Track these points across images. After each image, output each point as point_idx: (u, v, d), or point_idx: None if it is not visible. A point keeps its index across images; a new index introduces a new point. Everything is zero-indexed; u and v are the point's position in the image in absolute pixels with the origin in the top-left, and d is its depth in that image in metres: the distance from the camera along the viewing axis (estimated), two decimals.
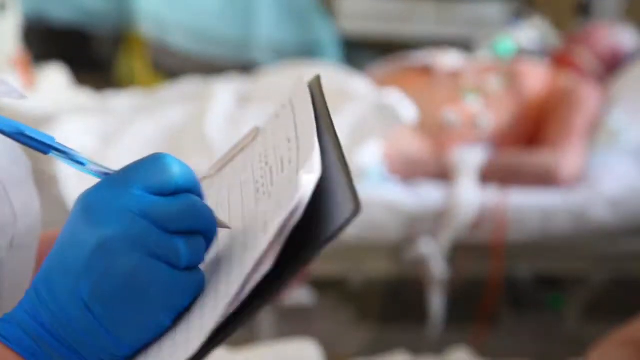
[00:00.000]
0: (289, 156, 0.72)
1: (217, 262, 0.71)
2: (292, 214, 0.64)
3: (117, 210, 0.65)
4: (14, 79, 2.84)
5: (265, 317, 2.63)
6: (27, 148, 0.70)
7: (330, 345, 2.18)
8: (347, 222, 0.63)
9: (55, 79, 3.08)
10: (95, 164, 0.70)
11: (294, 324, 2.66)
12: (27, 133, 0.69)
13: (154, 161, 0.68)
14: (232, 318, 0.65)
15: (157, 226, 0.66)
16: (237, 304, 0.65)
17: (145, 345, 0.68)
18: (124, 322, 0.65)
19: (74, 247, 0.65)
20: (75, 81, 3.20)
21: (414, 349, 2.04)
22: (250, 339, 2.40)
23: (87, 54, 4.39)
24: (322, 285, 2.74)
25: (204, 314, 0.66)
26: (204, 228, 0.68)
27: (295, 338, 1.80)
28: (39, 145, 0.69)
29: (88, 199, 0.66)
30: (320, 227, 0.65)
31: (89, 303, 0.65)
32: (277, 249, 0.64)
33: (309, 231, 0.66)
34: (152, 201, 0.66)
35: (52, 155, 0.70)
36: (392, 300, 2.93)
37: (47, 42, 4.12)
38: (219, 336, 0.65)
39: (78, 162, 0.70)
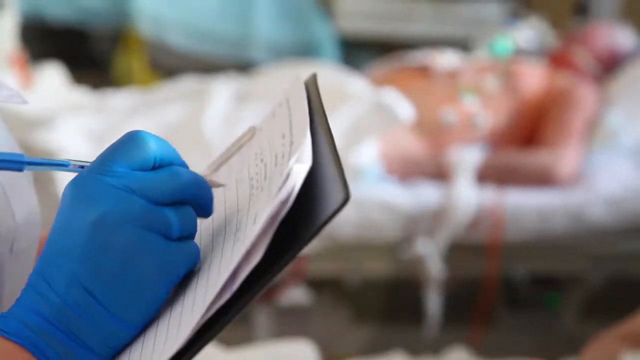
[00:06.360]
0: (282, 151, 0.72)
1: (209, 254, 0.72)
2: (282, 203, 0.65)
3: (104, 190, 0.67)
4: (11, 78, 2.83)
5: (261, 317, 2.62)
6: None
7: (327, 345, 2.18)
8: (336, 211, 0.63)
9: (52, 77, 3.08)
10: (77, 161, 0.71)
11: (290, 324, 2.65)
12: None
13: (130, 139, 0.69)
14: (223, 310, 0.65)
15: (145, 199, 0.67)
16: (228, 295, 0.65)
17: (140, 336, 0.68)
18: (124, 298, 0.66)
19: (67, 233, 0.67)
20: (72, 80, 3.19)
21: (412, 349, 2.04)
22: (247, 339, 2.40)
23: (85, 53, 4.39)
24: (319, 285, 2.74)
25: (195, 305, 0.67)
26: (191, 196, 0.69)
27: (291, 338, 1.80)
28: (11, 166, 0.70)
29: (74, 186, 0.68)
30: (311, 218, 0.66)
31: (89, 284, 0.66)
32: (267, 239, 0.64)
33: (299, 222, 0.66)
34: (136, 176, 0.68)
35: (30, 169, 0.70)
36: (390, 300, 2.93)
37: (44, 40, 4.12)
38: (211, 329, 0.65)
39: (59, 165, 0.71)
